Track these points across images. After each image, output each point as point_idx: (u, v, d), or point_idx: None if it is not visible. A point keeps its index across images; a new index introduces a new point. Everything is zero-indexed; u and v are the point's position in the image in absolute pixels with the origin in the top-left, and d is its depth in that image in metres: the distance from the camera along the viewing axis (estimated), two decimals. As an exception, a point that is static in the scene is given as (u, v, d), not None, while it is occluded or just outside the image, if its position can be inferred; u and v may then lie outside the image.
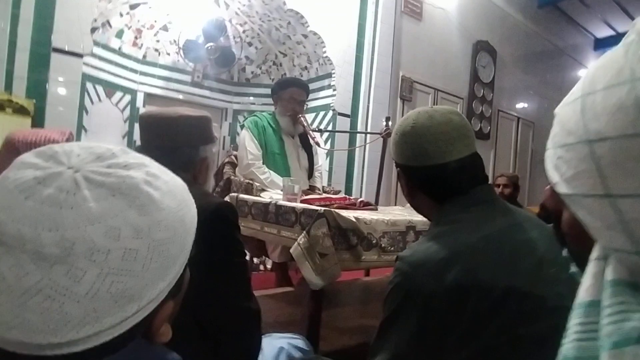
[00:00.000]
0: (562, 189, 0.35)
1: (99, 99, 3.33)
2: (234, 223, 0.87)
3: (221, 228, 0.82)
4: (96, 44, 3.14)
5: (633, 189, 0.28)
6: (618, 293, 0.32)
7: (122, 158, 0.39)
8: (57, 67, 2.65)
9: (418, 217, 1.40)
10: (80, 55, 2.76)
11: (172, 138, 0.93)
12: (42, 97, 2.62)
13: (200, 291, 0.73)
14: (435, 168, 0.79)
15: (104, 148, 0.39)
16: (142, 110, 3.52)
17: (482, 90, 4.98)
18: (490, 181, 0.85)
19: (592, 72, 0.33)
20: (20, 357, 0.33)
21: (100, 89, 3.34)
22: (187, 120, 0.95)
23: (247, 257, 2.24)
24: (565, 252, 0.69)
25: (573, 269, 0.64)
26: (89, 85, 3.19)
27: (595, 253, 0.36)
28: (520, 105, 5.87)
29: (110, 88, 3.44)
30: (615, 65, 0.30)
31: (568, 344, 0.35)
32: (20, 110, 2.52)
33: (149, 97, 3.78)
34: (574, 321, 0.36)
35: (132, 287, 0.35)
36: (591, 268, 0.36)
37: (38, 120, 2.59)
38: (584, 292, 0.36)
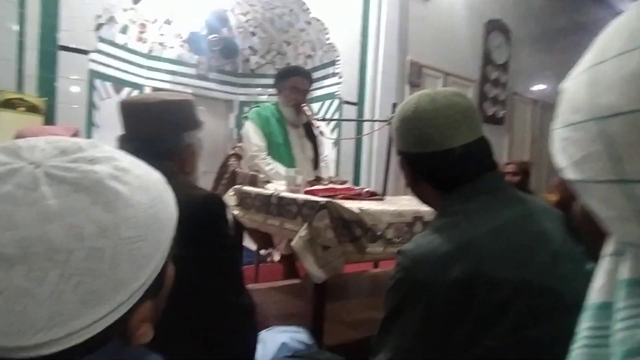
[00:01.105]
0: (570, 174, 0.30)
1: (108, 95, 3.34)
2: (221, 216, 0.83)
3: (207, 222, 0.78)
4: (102, 40, 3.16)
5: None
6: (633, 295, 0.28)
7: (88, 152, 0.37)
8: (65, 64, 2.69)
9: (425, 208, 1.34)
10: (86, 52, 2.78)
11: (152, 125, 0.87)
12: (52, 95, 2.67)
13: (187, 289, 0.69)
14: (438, 155, 0.74)
15: (70, 142, 0.38)
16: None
17: (495, 73, 4.82)
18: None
19: (603, 38, 0.28)
20: None
21: (108, 85, 3.36)
22: (167, 106, 0.90)
23: (255, 249, 2.23)
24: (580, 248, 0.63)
25: (590, 265, 0.59)
26: (97, 82, 3.21)
27: (608, 248, 0.31)
28: (537, 87, 5.65)
29: (118, 84, 3.46)
30: (629, 28, 0.26)
31: (576, 350, 0.32)
32: (31, 108, 2.57)
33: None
34: (584, 325, 0.32)
35: (100, 289, 0.33)
36: (604, 265, 0.32)
37: (49, 118, 2.65)
38: (595, 292, 0.32)
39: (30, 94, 2.57)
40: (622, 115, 0.25)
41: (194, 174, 0.98)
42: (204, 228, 0.76)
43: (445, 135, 0.73)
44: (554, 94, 5.76)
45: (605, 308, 0.30)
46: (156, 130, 0.88)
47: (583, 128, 0.28)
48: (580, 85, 0.29)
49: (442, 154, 0.73)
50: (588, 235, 0.34)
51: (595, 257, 0.33)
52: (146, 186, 0.39)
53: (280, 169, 2.06)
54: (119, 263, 0.34)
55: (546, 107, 5.74)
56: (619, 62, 0.25)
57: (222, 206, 0.85)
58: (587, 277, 0.59)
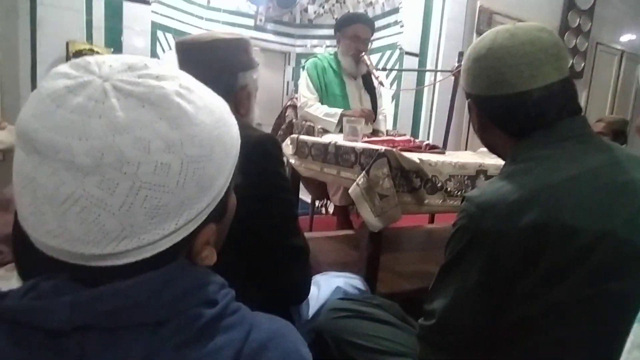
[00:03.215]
0: None
1: (170, 47, 3.43)
2: (276, 157, 0.82)
3: (262, 162, 0.77)
4: (162, -10, 3.20)
5: None
6: None
7: (154, 69, 0.37)
8: (129, 15, 2.77)
9: (490, 161, 1.28)
10: (148, 3, 2.84)
11: (207, 64, 0.86)
12: (119, 46, 2.77)
13: (243, 228, 0.71)
14: (514, 97, 0.67)
15: (137, 59, 0.38)
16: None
17: (577, 20, 4.27)
18: None
19: None
20: (71, 267, 0.34)
21: (169, 36, 3.44)
22: (222, 44, 0.87)
23: (310, 200, 2.28)
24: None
25: None
26: (159, 34, 3.30)
27: None
28: (625, 37, 4.96)
29: (179, 36, 3.53)
30: None
31: None
32: (101, 59, 2.71)
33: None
34: None
35: (167, 204, 0.34)
36: None
37: (116, 70, 2.78)
38: None
39: (99, 44, 2.67)
40: None
41: (249, 116, 0.96)
42: (259, 168, 0.76)
43: (523, 76, 0.66)
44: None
45: None
46: (210, 70, 0.85)
47: None
48: None
49: (518, 96, 0.67)
50: None
51: None
52: (210, 108, 0.39)
53: (325, 107, 2.03)
54: (185, 181, 0.34)
55: (632, 59, 5.04)
56: None
57: (278, 147, 0.84)
58: None
